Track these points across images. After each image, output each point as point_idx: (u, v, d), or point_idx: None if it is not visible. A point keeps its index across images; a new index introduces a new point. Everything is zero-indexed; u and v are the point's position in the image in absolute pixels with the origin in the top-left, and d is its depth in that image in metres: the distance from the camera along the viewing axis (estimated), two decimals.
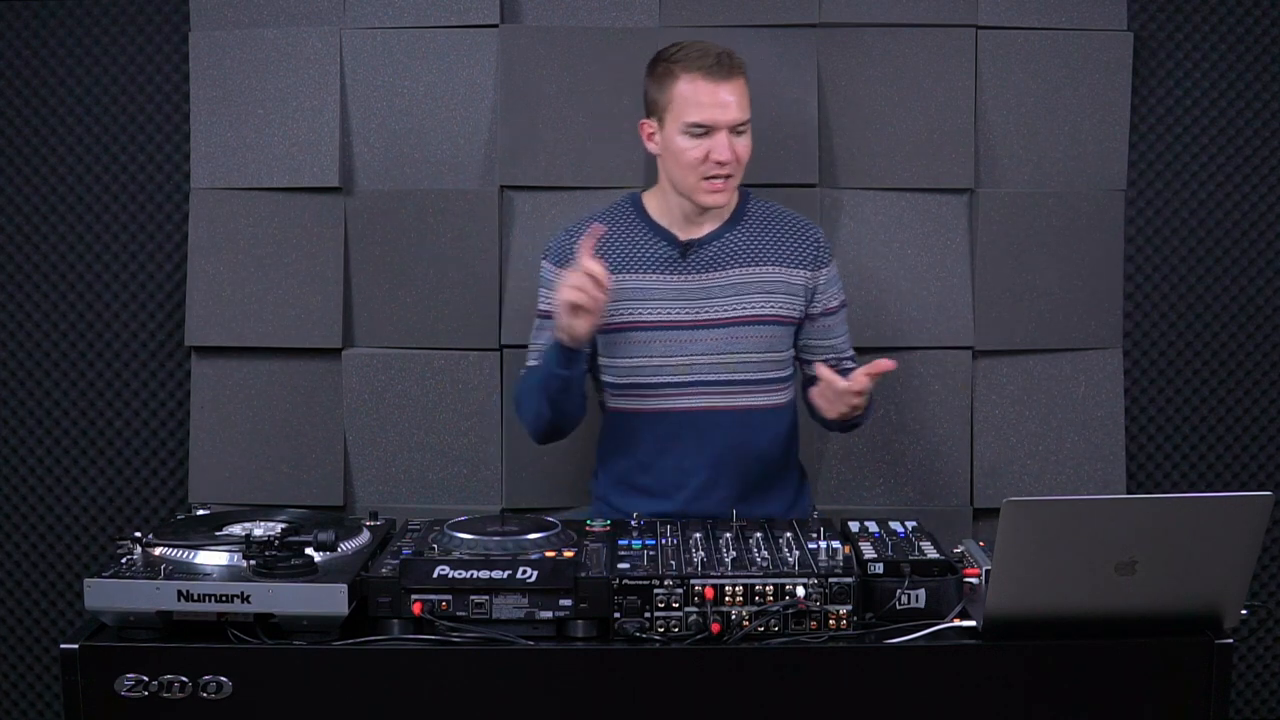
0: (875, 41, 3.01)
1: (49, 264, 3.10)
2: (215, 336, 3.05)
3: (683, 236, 2.45)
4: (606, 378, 2.51)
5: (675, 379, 2.45)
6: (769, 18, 2.99)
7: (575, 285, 2.21)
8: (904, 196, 3.05)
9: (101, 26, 3.06)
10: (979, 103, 3.02)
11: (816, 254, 2.49)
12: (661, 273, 2.44)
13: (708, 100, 2.34)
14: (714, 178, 2.37)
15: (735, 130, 2.36)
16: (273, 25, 3.01)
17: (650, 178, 3.01)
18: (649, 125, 2.44)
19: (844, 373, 2.36)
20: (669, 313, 2.43)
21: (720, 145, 2.35)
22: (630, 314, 2.43)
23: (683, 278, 2.44)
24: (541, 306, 2.50)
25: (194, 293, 3.04)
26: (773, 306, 2.45)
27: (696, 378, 2.45)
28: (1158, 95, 3.08)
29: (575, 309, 2.22)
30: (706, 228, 2.46)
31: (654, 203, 2.50)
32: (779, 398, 2.52)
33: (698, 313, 2.43)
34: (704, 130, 2.35)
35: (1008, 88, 3.03)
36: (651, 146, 2.45)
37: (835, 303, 2.53)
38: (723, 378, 2.45)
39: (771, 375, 2.49)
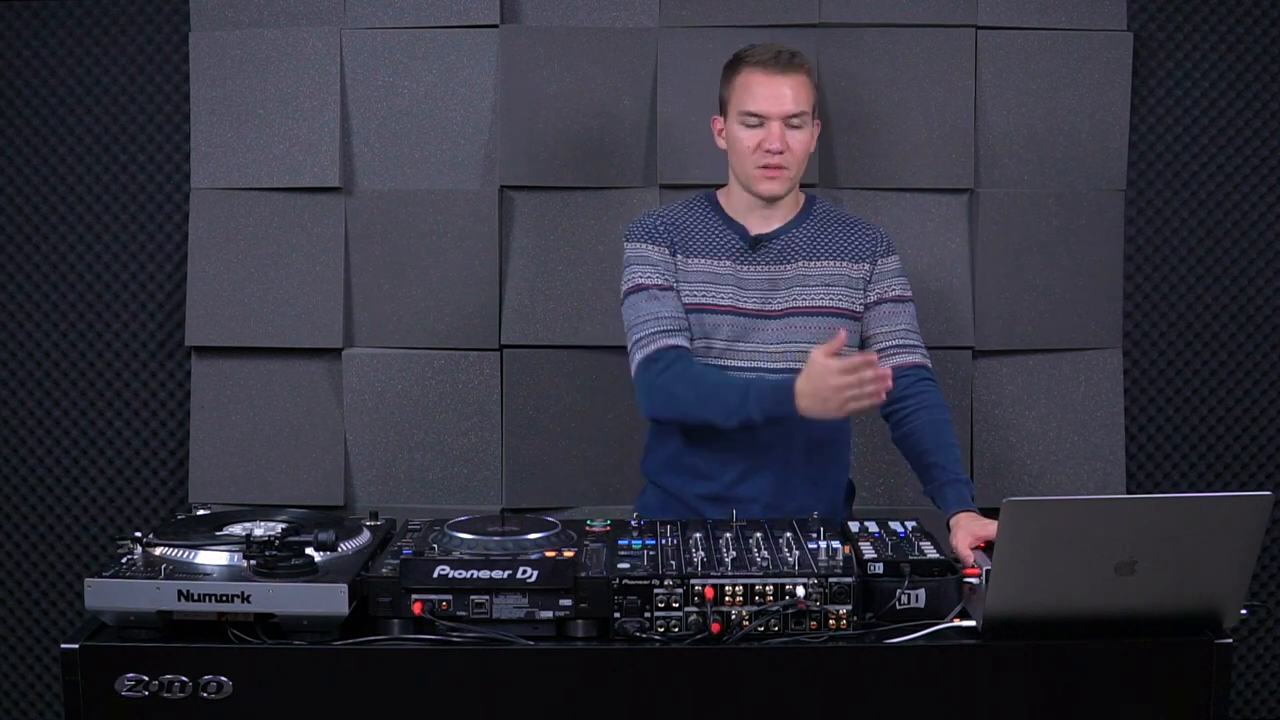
0: (875, 41, 3.01)
1: (49, 264, 3.10)
2: (215, 336, 3.05)
3: (752, 231, 2.51)
4: None
5: (735, 363, 2.48)
6: (769, 18, 2.99)
7: (851, 381, 2.20)
8: (904, 196, 3.05)
9: (101, 26, 3.06)
10: (979, 103, 3.02)
11: (875, 247, 2.53)
12: (731, 261, 2.50)
13: (761, 91, 2.42)
14: (768, 166, 2.43)
15: (789, 123, 2.43)
16: (273, 25, 3.01)
17: (649, 178, 3.03)
18: (718, 121, 2.53)
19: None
20: (735, 300, 2.48)
21: (773, 135, 2.42)
22: (700, 296, 2.48)
23: (750, 268, 2.49)
24: (639, 280, 2.49)
25: (194, 293, 3.04)
26: (831, 298, 2.49)
27: (755, 364, 2.48)
28: (1158, 95, 3.08)
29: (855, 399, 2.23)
30: (774, 223, 2.52)
31: (726, 199, 2.57)
32: None
33: (762, 303, 2.48)
34: (758, 120, 2.42)
35: (1008, 88, 3.03)
36: (720, 142, 2.53)
37: (893, 293, 2.52)
38: (779, 365, 2.47)
39: None
